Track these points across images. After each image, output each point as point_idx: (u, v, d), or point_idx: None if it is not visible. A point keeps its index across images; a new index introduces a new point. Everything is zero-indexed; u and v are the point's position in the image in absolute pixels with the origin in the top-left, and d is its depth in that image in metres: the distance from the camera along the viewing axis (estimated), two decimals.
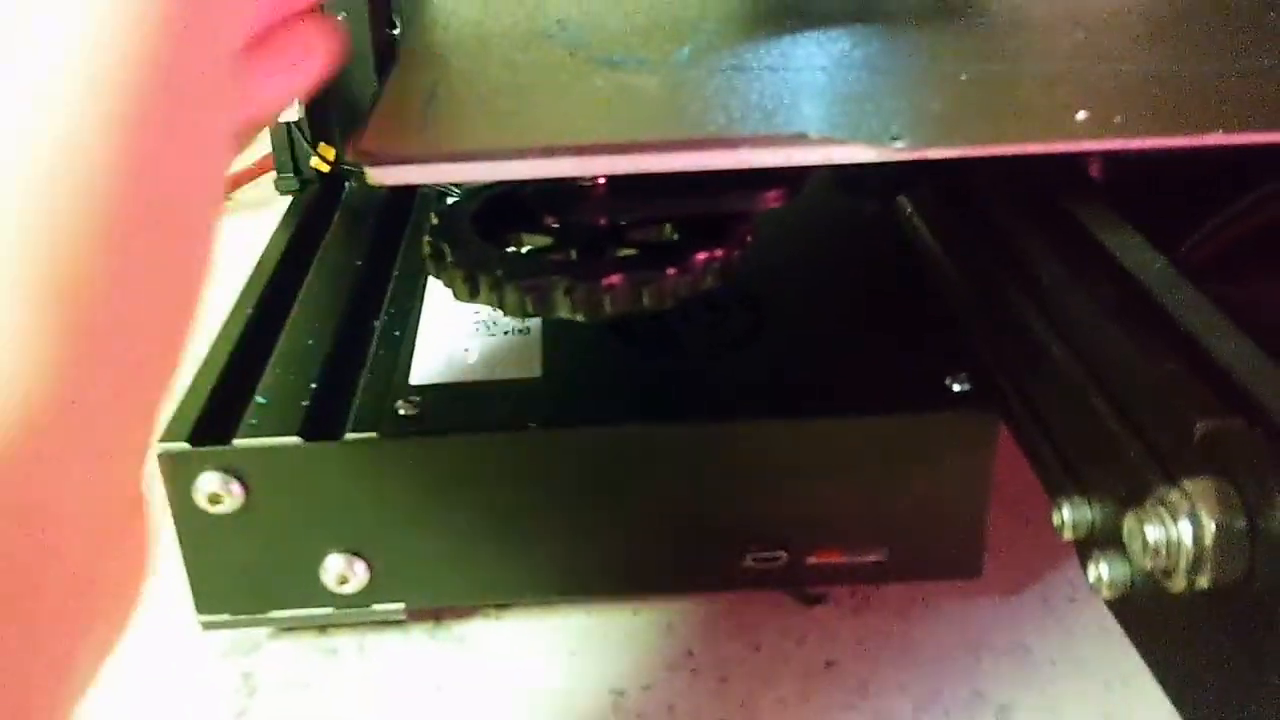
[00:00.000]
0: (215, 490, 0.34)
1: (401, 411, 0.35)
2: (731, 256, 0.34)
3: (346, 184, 0.51)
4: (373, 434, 0.34)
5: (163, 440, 0.34)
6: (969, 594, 0.39)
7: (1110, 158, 0.37)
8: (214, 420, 0.35)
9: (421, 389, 0.36)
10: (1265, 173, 0.35)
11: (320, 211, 0.49)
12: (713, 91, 0.32)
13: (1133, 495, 0.27)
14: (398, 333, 0.39)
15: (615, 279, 0.32)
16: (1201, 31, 0.37)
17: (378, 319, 0.40)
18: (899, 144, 0.28)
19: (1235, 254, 0.35)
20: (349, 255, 0.45)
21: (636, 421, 0.35)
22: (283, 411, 0.35)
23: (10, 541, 0.17)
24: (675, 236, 0.35)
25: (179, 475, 0.34)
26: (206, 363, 0.37)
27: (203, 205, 0.20)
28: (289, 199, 0.52)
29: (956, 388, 0.35)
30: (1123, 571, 0.28)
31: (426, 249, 0.35)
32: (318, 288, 0.43)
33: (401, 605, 0.37)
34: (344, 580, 0.35)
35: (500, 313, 0.33)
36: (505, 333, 0.39)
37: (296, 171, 0.52)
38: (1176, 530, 0.24)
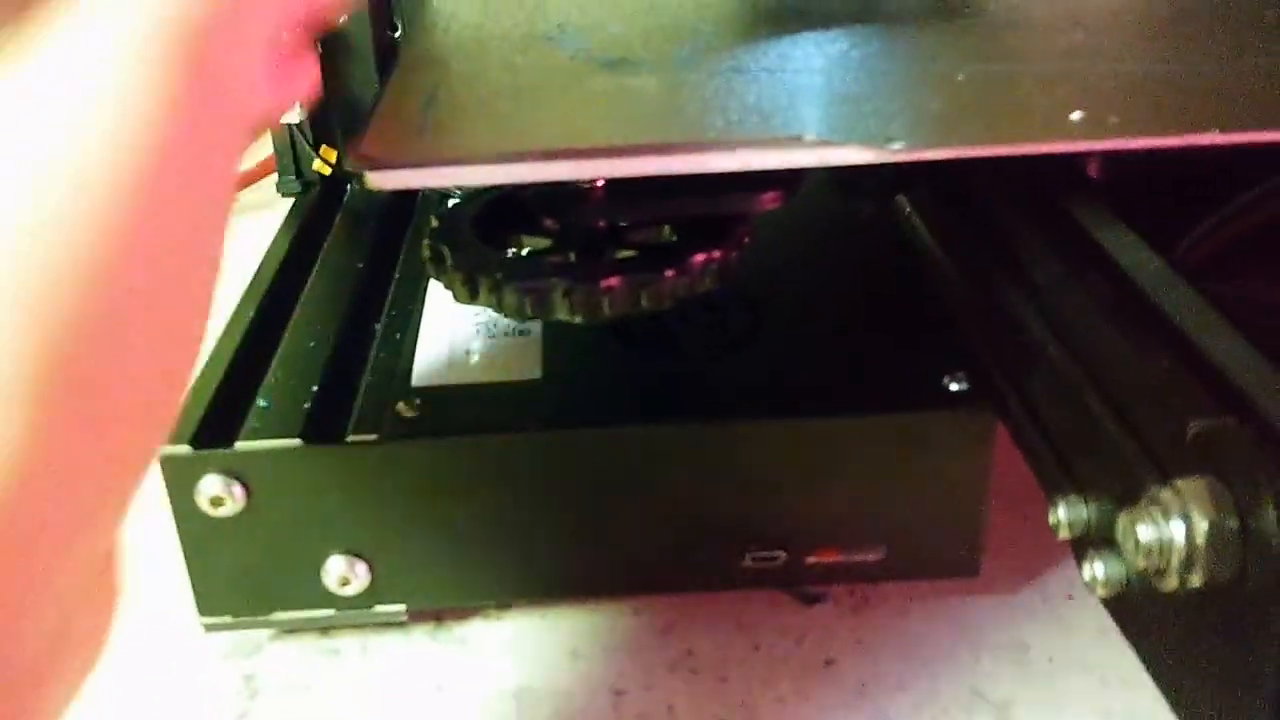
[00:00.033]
0: (217, 493, 0.34)
1: (403, 413, 0.35)
2: (729, 258, 0.34)
3: (348, 186, 0.52)
4: (374, 436, 0.34)
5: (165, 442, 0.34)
6: (968, 592, 0.39)
7: (1108, 157, 0.37)
8: (216, 423, 0.35)
9: (422, 391, 0.36)
10: (1263, 171, 0.35)
11: (322, 214, 0.49)
12: (711, 94, 0.32)
13: (1127, 494, 0.27)
14: (399, 335, 0.39)
15: (613, 281, 0.32)
16: (1198, 31, 0.37)
17: (379, 321, 0.41)
18: (895, 145, 0.28)
19: (1235, 251, 0.35)
20: (350, 258, 0.45)
21: (636, 422, 0.35)
22: (284, 414, 0.35)
23: None
24: (674, 238, 0.35)
25: (181, 478, 0.34)
26: (208, 366, 0.37)
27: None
28: (291, 201, 0.52)
29: (954, 387, 0.35)
30: (1118, 570, 0.28)
31: (427, 251, 0.35)
32: (319, 290, 0.43)
33: (403, 607, 0.37)
34: (345, 582, 0.35)
35: (500, 315, 0.34)
36: (506, 334, 0.39)
37: (298, 174, 0.53)
38: (1169, 530, 0.24)
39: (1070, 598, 0.39)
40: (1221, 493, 0.23)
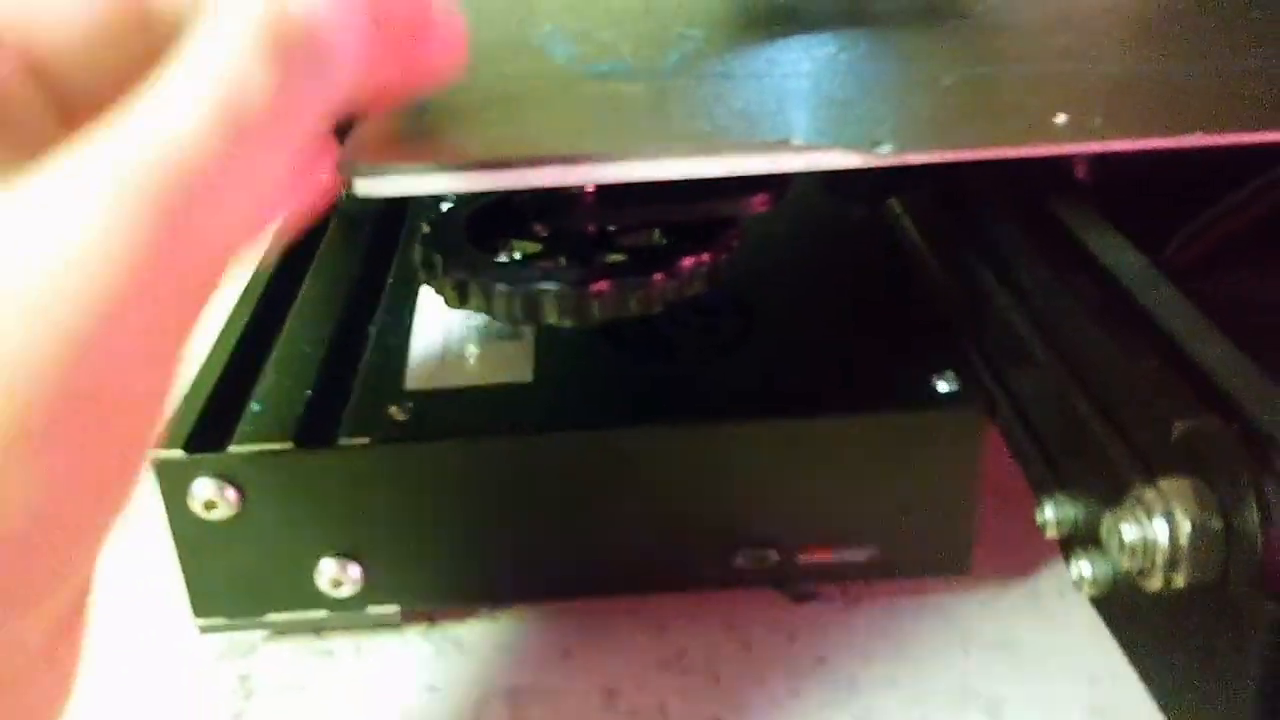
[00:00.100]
0: (210, 497, 0.34)
1: (395, 416, 0.35)
2: (718, 261, 0.35)
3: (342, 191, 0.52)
4: (366, 439, 0.34)
5: (158, 448, 0.34)
6: (959, 590, 0.39)
7: (1096, 159, 0.37)
8: (209, 427, 0.35)
9: (414, 394, 0.36)
10: (1251, 171, 0.35)
11: (316, 218, 0.49)
12: (699, 99, 0.33)
13: (1113, 494, 0.27)
14: (392, 338, 0.40)
15: (603, 285, 0.33)
16: (1185, 32, 0.37)
17: (372, 324, 0.41)
18: (882, 149, 0.28)
19: (1224, 251, 0.36)
20: (344, 262, 0.45)
21: (628, 425, 0.35)
22: (277, 417, 0.35)
23: None
24: (663, 242, 0.36)
25: (174, 482, 0.34)
26: (202, 370, 0.38)
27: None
28: None
29: (943, 387, 0.35)
30: (1104, 570, 0.28)
31: (418, 256, 0.35)
32: (313, 294, 0.43)
33: (396, 608, 0.37)
34: (338, 584, 0.36)
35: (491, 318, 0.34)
36: (497, 338, 0.39)
37: None
38: (1152, 529, 0.24)
39: (1062, 595, 0.39)
40: (1205, 493, 0.24)
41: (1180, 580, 0.24)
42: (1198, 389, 0.26)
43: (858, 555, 0.37)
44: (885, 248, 0.45)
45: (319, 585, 0.36)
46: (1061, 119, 0.29)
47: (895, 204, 0.47)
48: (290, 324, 0.41)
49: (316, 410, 0.36)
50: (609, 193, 0.34)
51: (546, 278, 0.33)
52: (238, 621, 0.37)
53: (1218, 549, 0.23)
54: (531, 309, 0.33)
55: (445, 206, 0.38)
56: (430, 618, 0.39)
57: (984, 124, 0.31)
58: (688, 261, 0.34)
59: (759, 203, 0.35)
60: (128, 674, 0.38)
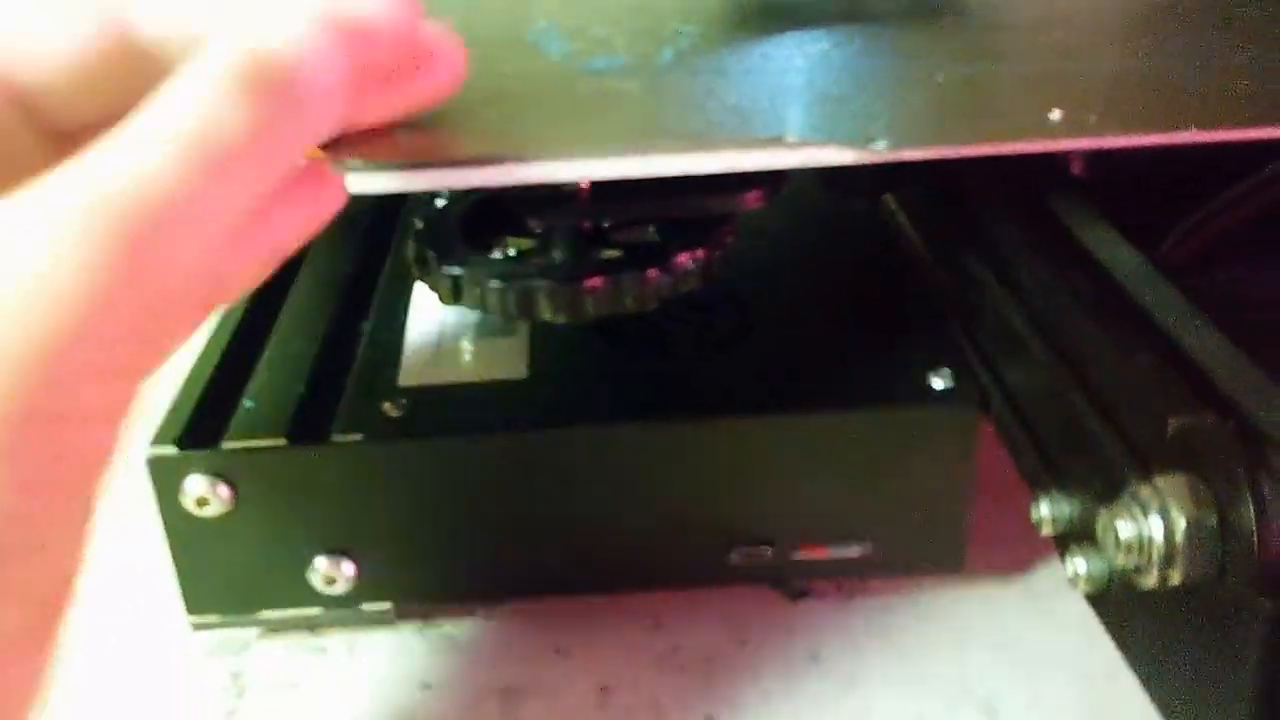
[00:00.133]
0: (203, 493, 0.34)
1: (388, 413, 0.35)
2: (712, 257, 0.34)
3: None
4: (359, 436, 0.34)
5: (151, 444, 0.34)
6: (954, 586, 0.39)
7: (1092, 156, 0.37)
8: (202, 424, 0.35)
9: (408, 390, 0.36)
10: (1247, 167, 0.35)
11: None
12: (694, 95, 0.32)
13: (1108, 491, 0.27)
14: (386, 335, 0.39)
15: (596, 281, 0.32)
16: (1178, 29, 0.37)
17: (366, 321, 0.41)
18: (877, 146, 0.28)
19: (1220, 247, 0.36)
20: (338, 258, 0.45)
21: (623, 421, 0.35)
22: (270, 414, 0.35)
23: None
24: (658, 238, 0.36)
25: (167, 479, 0.34)
26: (196, 366, 0.38)
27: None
28: None
29: (938, 384, 0.35)
30: (1100, 567, 0.28)
31: (412, 252, 0.35)
32: (307, 290, 0.43)
33: (389, 605, 0.37)
34: (332, 581, 0.35)
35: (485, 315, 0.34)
36: (492, 334, 0.39)
37: None
38: (1148, 526, 0.24)
39: (1057, 592, 0.39)
40: (1201, 489, 0.24)
41: (1176, 577, 0.24)
42: (1194, 385, 0.26)
43: (853, 552, 0.37)
44: (881, 244, 0.45)
45: (312, 582, 0.36)
46: (1056, 115, 0.29)
47: (891, 200, 0.47)
48: (283, 320, 0.41)
49: (310, 407, 0.36)
50: (603, 189, 0.34)
51: (541, 274, 0.33)
52: (231, 619, 0.37)
53: (1213, 546, 0.23)
54: (526, 305, 0.33)
55: (439, 203, 0.38)
56: (424, 615, 0.39)
57: (979, 120, 0.31)
58: (682, 257, 0.34)
59: (754, 199, 0.35)
60: (120, 670, 0.37)
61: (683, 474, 0.36)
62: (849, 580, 0.40)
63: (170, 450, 0.34)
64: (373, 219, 0.48)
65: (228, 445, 0.34)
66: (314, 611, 0.37)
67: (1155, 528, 0.24)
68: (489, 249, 0.35)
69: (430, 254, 0.34)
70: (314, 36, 0.23)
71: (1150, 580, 0.24)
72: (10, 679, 0.21)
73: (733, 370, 0.37)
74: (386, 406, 0.35)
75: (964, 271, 0.38)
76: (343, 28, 0.23)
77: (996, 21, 0.38)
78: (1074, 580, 0.29)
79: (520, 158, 0.28)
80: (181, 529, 0.35)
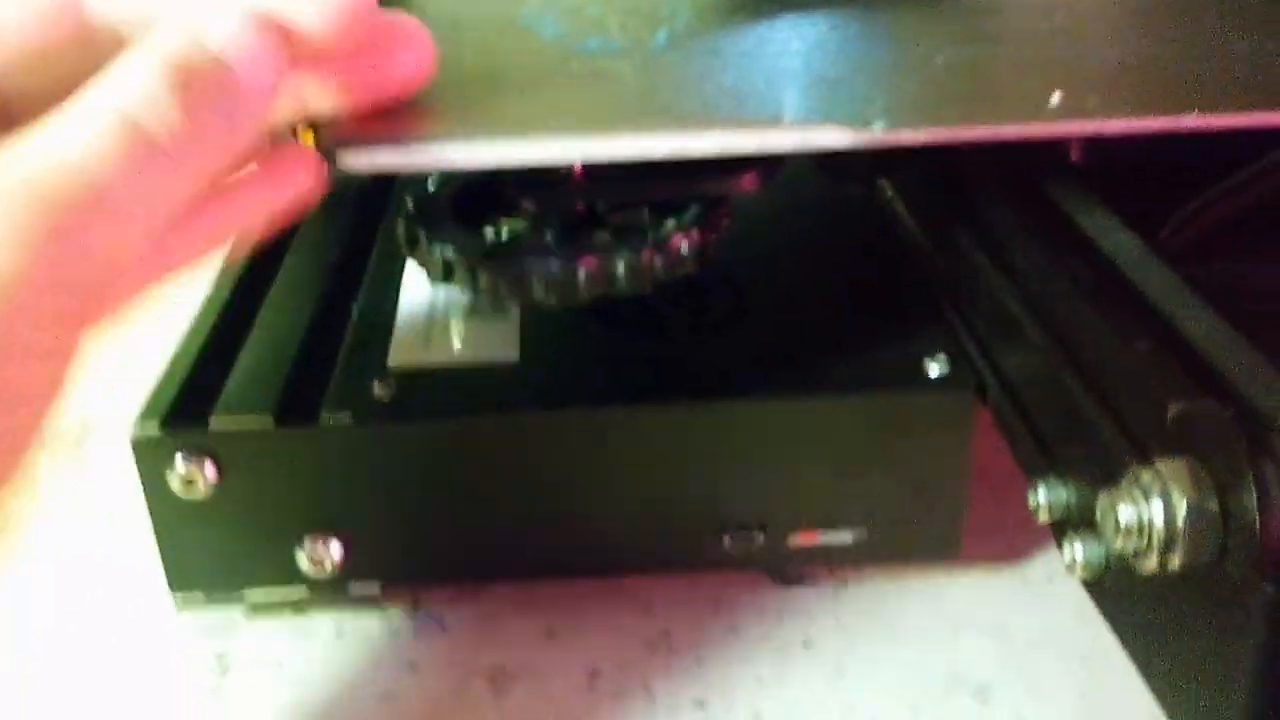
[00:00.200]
0: (189, 473, 0.33)
1: (377, 394, 0.35)
2: (707, 239, 0.34)
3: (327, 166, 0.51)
4: (347, 416, 0.34)
5: (136, 424, 0.33)
6: (948, 573, 0.39)
7: (1091, 141, 0.37)
8: (188, 404, 0.34)
9: (397, 371, 0.36)
10: (1247, 154, 0.35)
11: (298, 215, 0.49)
12: (689, 77, 0.32)
13: (1107, 476, 0.27)
14: (375, 315, 0.39)
15: (588, 263, 0.32)
16: (1180, 13, 0.37)
17: (355, 301, 0.40)
18: (874, 128, 0.28)
19: (1219, 234, 0.35)
20: (328, 237, 0.45)
21: (613, 404, 0.35)
22: (257, 394, 0.35)
23: None
24: (651, 220, 0.35)
25: (153, 459, 0.33)
26: (182, 346, 0.37)
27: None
28: None
29: (934, 370, 0.35)
30: (1097, 552, 0.28)
31: (402, 232, 0.35)
32: (296, 270, 0.42)
33: (377, 586, 0.37)
34: (319, 561, 0.35)
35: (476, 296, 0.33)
36: (483, 316, 0.39)
37: None
38: (1149, 510, 0.24)
39: (1051, 579, 0.39)
40: (1201, 473, 0.23)
41: (1176, 562, 0.23)
42: (1193, 371, 0.26)
43: (846, 538, 0.37)
44: (877, 229, 0.45)
45: (299, 563, 0.35)
46: (1057, 98, 0.29)
47: (887, 185, 0.47)
48: (271, 299, 0.40)
49: (297, 387, 0.35)
50: (597, 170, 0.34)
51: (533, 255, 0.33)
52: (216, 597, 0.36)
53: (1214, 530, 0.23)
54: (517, 286, 0.32)
55: (431, 183, 0.37)
56: (413, 596, 0.39)
57: (978, 104, 0.31)
58: (676, 240, 0.33)
59: (749, 181, 0.34)
60: (104, 649, 0.37)
61: (675, 458, 0.35)
62: (842, 567, 0.39)
63: (155, 430, 0.33)
64: (362, 199, 0.47)
65: (215, 425, 0.34)
66: (301, 592, 0.36)
67: (1156, 511, 0.23)
68: (481, 229, 0.35)
69: (421, 233, 0.34)
70: (249, 32, 0.23)
71: (1150, 564, 0.24)
72: None
73: (727, 354, 0.37)
74: (375, 387, 0.35)
75: (961, 257, 0.38)
76: (280, 25, 0.24)
77: (995, 5, 0.38)
78: (1071, 566, 0.29)
79: (515, 138, 0.28)
80: (167, 508, 0.34)
